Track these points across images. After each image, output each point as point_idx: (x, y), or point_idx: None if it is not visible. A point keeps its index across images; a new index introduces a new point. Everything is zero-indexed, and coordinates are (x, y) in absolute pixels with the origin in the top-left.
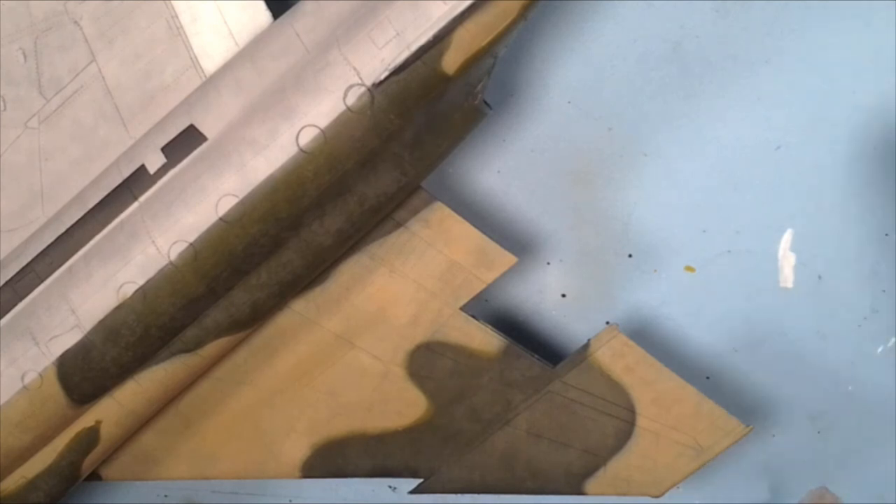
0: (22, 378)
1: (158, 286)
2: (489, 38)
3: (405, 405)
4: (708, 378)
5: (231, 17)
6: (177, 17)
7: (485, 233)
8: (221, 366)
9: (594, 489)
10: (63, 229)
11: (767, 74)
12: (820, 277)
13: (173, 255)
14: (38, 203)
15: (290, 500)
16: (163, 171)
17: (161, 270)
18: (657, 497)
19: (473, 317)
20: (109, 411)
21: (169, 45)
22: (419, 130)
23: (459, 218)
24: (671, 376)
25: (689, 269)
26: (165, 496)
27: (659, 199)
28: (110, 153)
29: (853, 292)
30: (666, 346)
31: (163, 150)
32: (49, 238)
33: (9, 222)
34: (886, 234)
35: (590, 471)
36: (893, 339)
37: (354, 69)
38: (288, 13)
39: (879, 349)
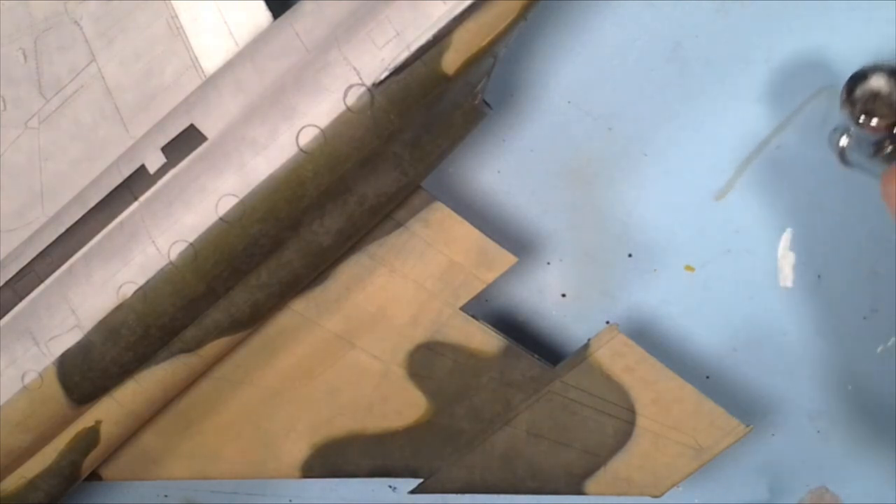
0: (22, 378)
1: (158, 286)
2: (489, 38)
3: (405, 405)
4: (708, 378)
5: (231, 17)
6: (177, 17)
7: (485, 233)
8: (222, 365)
9: (594, 489)
10: (63, 229)
11: (767, 74)
12: (820, 277)
13: (173, 255)
14: (38, 203)
15: (290, 500)
16: (163, 171)
17: (161, 270)
18: (657, 497)
19: (473, 317)
20: (109, 411)
21: (169, 45)
22: (419, 130)
23: (459, 218)
24: (671, 376)
25: (689, 268)
26: (165, 496)
27: (659, 199)
28: (110, 153)
29: (853, 292)
30: (666, 346)
31: (163, 150)
32: (49, 238)
33: (9, 222)
34: (887, 235)
35: (590, 471)
36: (893, 339)
37: (354, 69)
38: (288, 13)
39: (879, 348)
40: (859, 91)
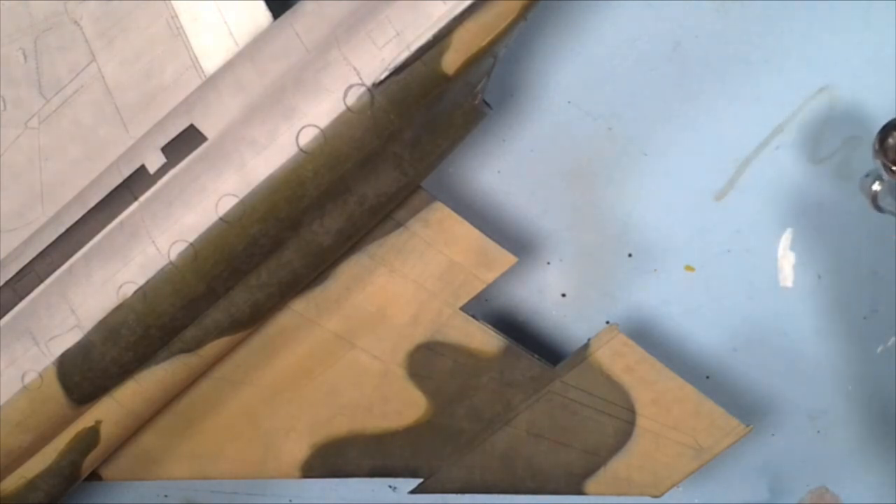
0: (22, 378)
1: (158, 286)
2: (489, 38)
3: (405, 405)
4: (708, 378)
5: (231, 17)
6: (177, 17)
7: (485, 233)
8: (222, 365)
9: (594, 489)
10: (63, 229)
11: (767, 74)
12: (819, 277)
13: (173, 255)
14: (38, 203)
15: (290, 500)
16: (163, 171)
17: (161, 270)
18: (657, 497)
19: (473, 317)
20: (109, 411)
21: (169, 45)
22: (419, 130)
23: (459, 218)
24: (671, 376)
25: (689, 268)
26: (165, 496)
27: (659, 199)
28: (110, 153)
29: (853, 292)
30: (666, 346)
31: (163, 150)
32: (49, 238)
33: (9, 222)
34: (887, 235)
35: (590, 471)
36: (893, 339)
37: (354, 69)
38: (288, 13)
39: (879, 348)
40: (892, 140)
